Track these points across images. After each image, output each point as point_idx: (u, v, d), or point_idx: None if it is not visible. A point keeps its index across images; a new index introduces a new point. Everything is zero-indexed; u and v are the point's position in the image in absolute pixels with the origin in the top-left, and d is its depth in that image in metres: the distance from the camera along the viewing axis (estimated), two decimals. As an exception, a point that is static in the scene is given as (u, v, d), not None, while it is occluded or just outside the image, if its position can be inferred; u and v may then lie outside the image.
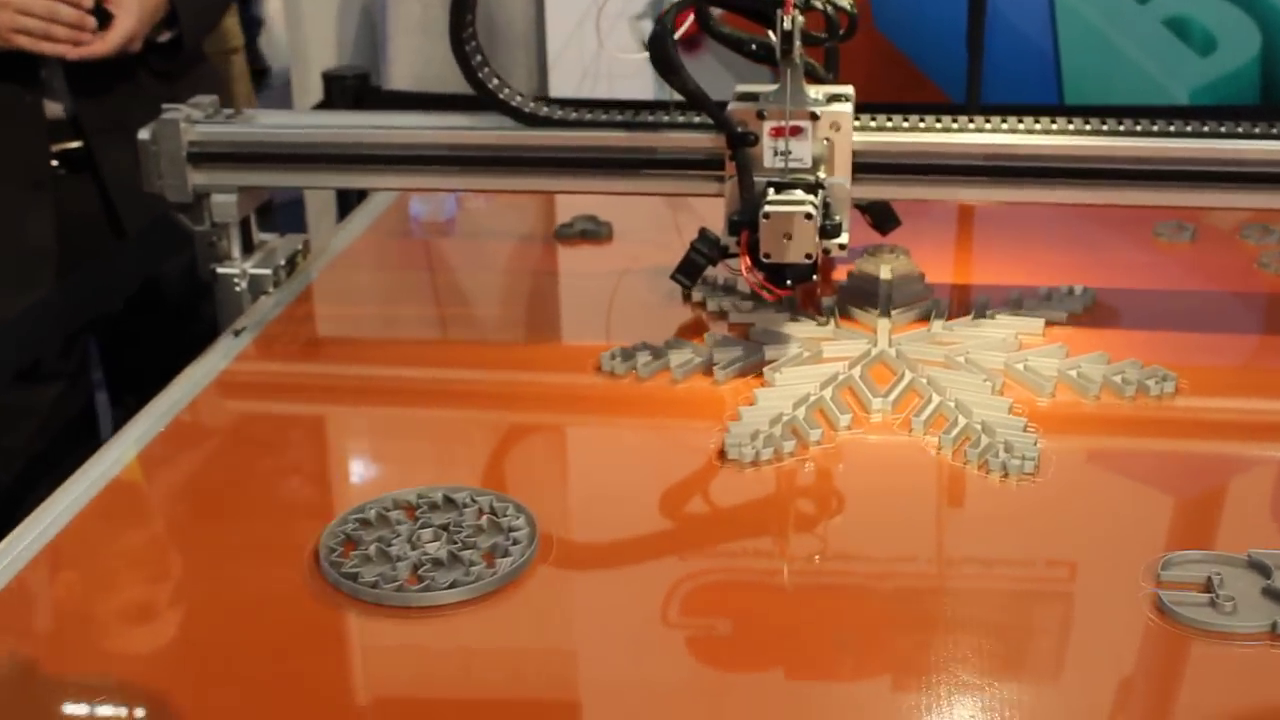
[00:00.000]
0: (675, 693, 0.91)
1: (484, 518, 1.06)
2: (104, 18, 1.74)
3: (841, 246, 1.30)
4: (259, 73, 4.64)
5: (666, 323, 1.41)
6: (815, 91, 1.32)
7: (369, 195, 1.79)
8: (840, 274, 1.52)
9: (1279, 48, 2.35)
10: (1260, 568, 0.98)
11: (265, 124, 1.47)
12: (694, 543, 1.07)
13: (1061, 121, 1.38)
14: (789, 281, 1.27)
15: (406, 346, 1.43)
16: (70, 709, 0.91)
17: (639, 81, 2.37)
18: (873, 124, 1.37)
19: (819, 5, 1.26)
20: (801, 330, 1.37)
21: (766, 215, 1.24)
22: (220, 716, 0.89)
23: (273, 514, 1.12)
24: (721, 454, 1.15)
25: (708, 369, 1.30)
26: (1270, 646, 0.92)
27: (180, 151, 1.43)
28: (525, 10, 2.56)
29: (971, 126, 1.37)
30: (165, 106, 1.44)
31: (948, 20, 2.23)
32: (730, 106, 1.31)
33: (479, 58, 1.38)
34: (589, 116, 1.40)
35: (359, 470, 1.18)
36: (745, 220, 1.26)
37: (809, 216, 1.23)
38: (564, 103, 1.42)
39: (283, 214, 2.19)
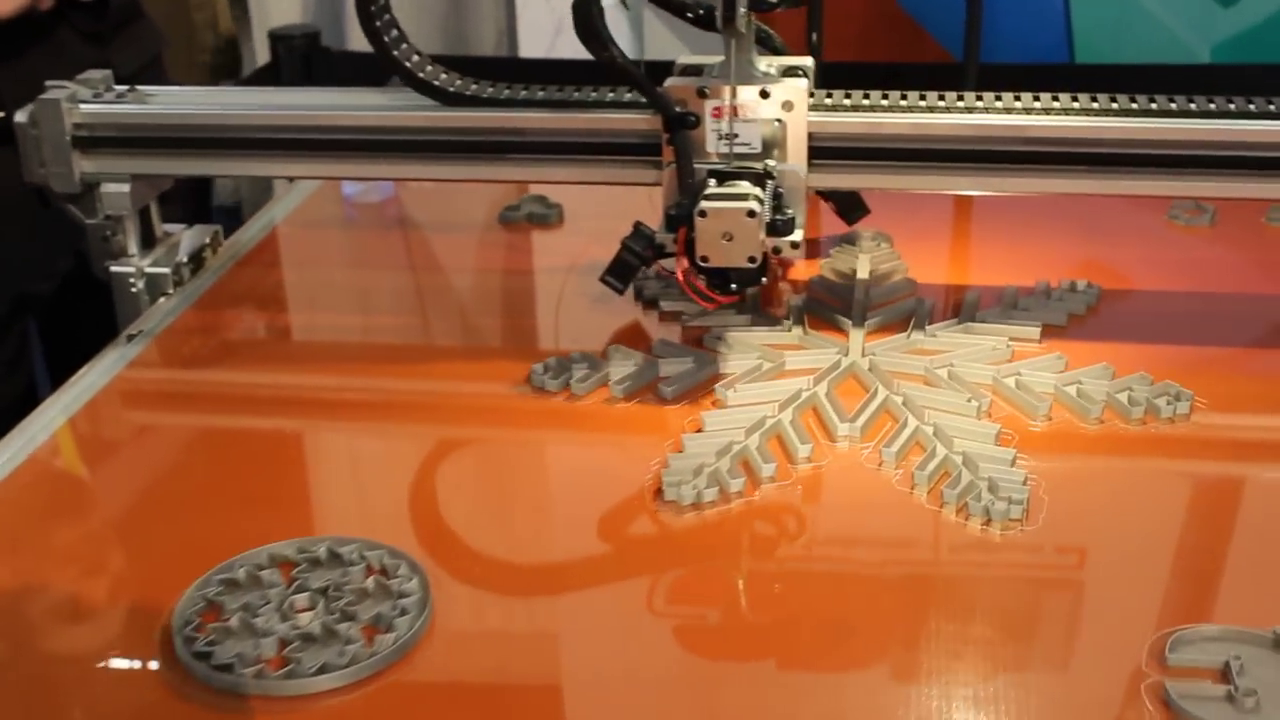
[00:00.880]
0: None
1: (372, 578, 0.90)
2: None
3: (794, 245, 1.12)
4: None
5: (613, 325, 1.25)
6: (766, 65, 1.16)
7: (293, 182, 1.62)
8: (814, 266, 1.35)
9: (1310, -2, 2.16)
10: (1289, 650, 0.82)
11: (161, 104, 1.30)
12: (610, 616, 0.90)
13: (1064, 99, 1.20)
14: (734, 286, 1.11)
15: (309, 356, 1.26)
16: None
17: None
18: (833, 101, 1.20)
19: None
20: (762, 337, 1.20)
21: (703, 212, 1.07)
22: None
23: (131, 569, 0.96)
24: (658, 493, 0.98)
25: (653, 383, 1.13)
26: (1301, 757, 0.76)
27: (64, 136, 1.26)
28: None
29: (954, 105, 1.20)
30: (49, 84, 1.28)
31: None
32: (668, 83, 1.15)
33: (395, 31, 1.21)
34: (507, 94, 1.24)
35: (238, 511, 1.01)
36: (683, 215, 1.09)
37: (752, 214, 1.07)
38: (522, 73, 1.26)
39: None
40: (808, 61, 1.19)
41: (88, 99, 1.28)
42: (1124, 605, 0.88)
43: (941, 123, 1.17)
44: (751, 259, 1.08)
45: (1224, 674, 0.80)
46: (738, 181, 1.12)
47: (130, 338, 1.25)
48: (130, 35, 1.79)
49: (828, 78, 1.77)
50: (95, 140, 1.27)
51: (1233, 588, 0.90)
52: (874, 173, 1.19)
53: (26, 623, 0.90)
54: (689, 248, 1.09)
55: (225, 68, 2.57)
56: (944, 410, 1.08)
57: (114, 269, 1.31)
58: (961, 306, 1.24)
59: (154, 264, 1.33)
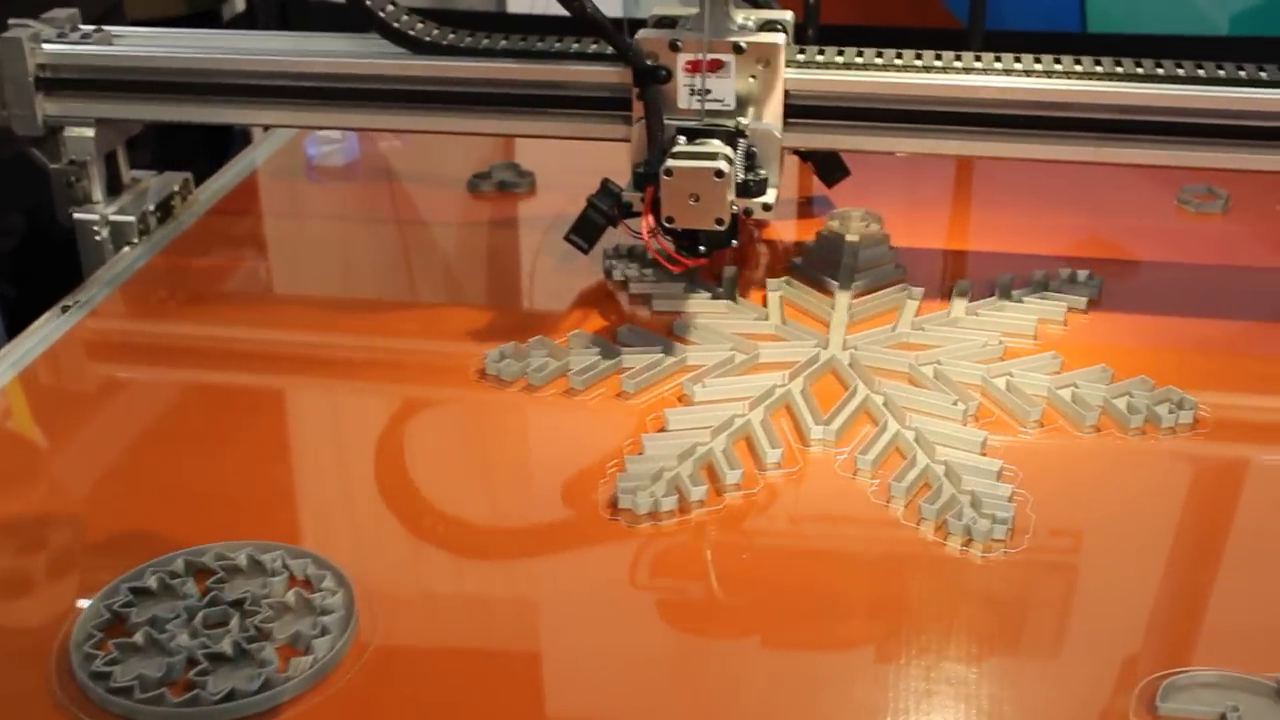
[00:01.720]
0: None
1: (293, 590, 0.82)
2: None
3: (766, 207, 1.07)
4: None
5: (579, 306, 1.17)
6: (743, 18, 1.10)
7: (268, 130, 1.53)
8: (805, 233, 1.27)
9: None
10: (1293, 702, 0.74)
11: (128, 45, 1.24)
12: (555, 641, 0.82)
13: (1066, 61, 1.13)
14: (702, 248, 1.05)
15: (248, 342, 1.17)
16: None
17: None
18: (812, 58, 1.13)
19: None
20: (736, 324, 1.12)
21: (668, 171, 1.01)
22: None
23: (37, 570, 0.88)
24: (613, 503, 0.90)
25: (619, 372, 1.05)
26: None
27: (27, 76, 1.21)
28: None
29: (944, 64, 1.13)
30: (13, 22, 1.22)
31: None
32: (639, 35, 1.09)
33: None
34: (484, 43, 1.17)
35: (162, 503, 0.93)
36: (651, 173, 1.04)
37: (720, 174, 1.01)
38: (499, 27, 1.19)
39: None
40: (786, 15, 1.13)
41: (52, 38, 1.23)
42: (1112, 644, 0.80)
43: (924, 83, 1.11)
44: (719, 221, 1.02)
45: (1220, 728, 0.73)
46: (708, 140, 1.07)
47: (65, 309, 1.17)
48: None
49: (825, 42, 1.69)
50: (59, 82, 1.22)
51: (1232, 628, 0.82)
52: (853, 133, 1.14)
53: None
54: (656, 208, 1.04)
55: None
56: (927, 413, 1.00)
57: (77, 216, 1.26)
58: (952, 296, 1.15)
59: (119, 211, 1.28)
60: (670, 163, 1.03)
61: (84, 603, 0.81)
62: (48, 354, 1.10)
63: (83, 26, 1.25)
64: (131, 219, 1.28)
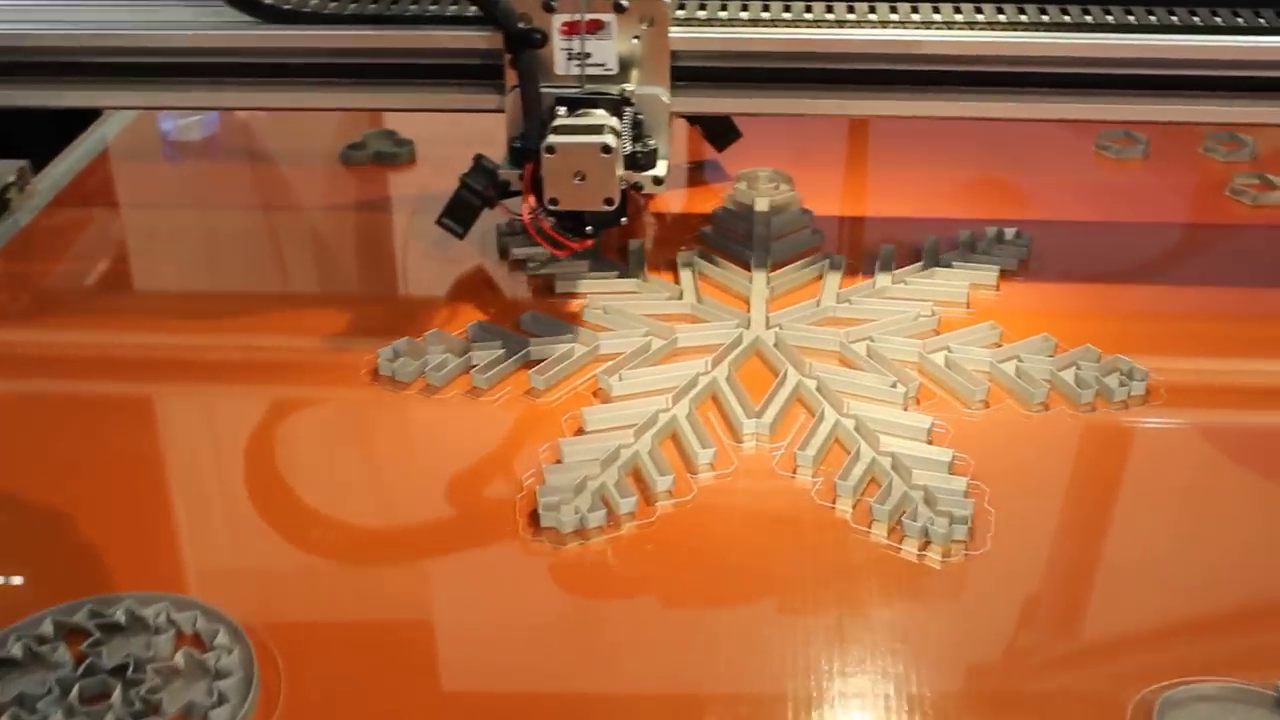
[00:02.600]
0: None
1: (182, 650, 0.72)
2: None
3: (657, 180, 0.98)
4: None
5: (474, 291, 1.07)
6: None
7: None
8: (698, 202, 1.18)
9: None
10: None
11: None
12: (485, 686, 0.73)
13: (967, 10, 1.06)
14: (589, 229, 0.96)
15: (101, 348, 1.05)
16: None
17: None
18: (700, 15, 1.04)
19: None
20: (648, 304, 1.03)
21: (550, 148, 0.92)
22: None
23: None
24: (534, 518, 0.81)
25: (526, 366, 0.96)
26: None
27: None
28: None
29: (838, 18, 1.04)
30: None
31: None
32: None
33: None
34: (332, 7, 1.06)
35: (21, 550, 0.82)
36: (529, 148, 0.95)
37: (608, 150, 0.92)
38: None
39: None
40: None
41: None
42: (1101, 655, 0.73)
43: (822, 38, 1.03)
44: (608, 201, 0.93)
45: (1226, 750, 0.66)
46: (591, 110, 0.97)
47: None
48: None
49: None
50: None
51: (1228, 630, 0.75)
52: (746, 95, 1.05)
53: None
54: (536, 186, 0.94)
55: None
56: (865, 398, 0.92)
57: None
58: (875, 261, 1.08)
59: None
60: (552, 139, 0.93)
61: (-65, 682, 0.71)
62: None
63: None
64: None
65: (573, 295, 1.05)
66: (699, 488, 0.85)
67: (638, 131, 0.99)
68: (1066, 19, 1.05)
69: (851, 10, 1.05)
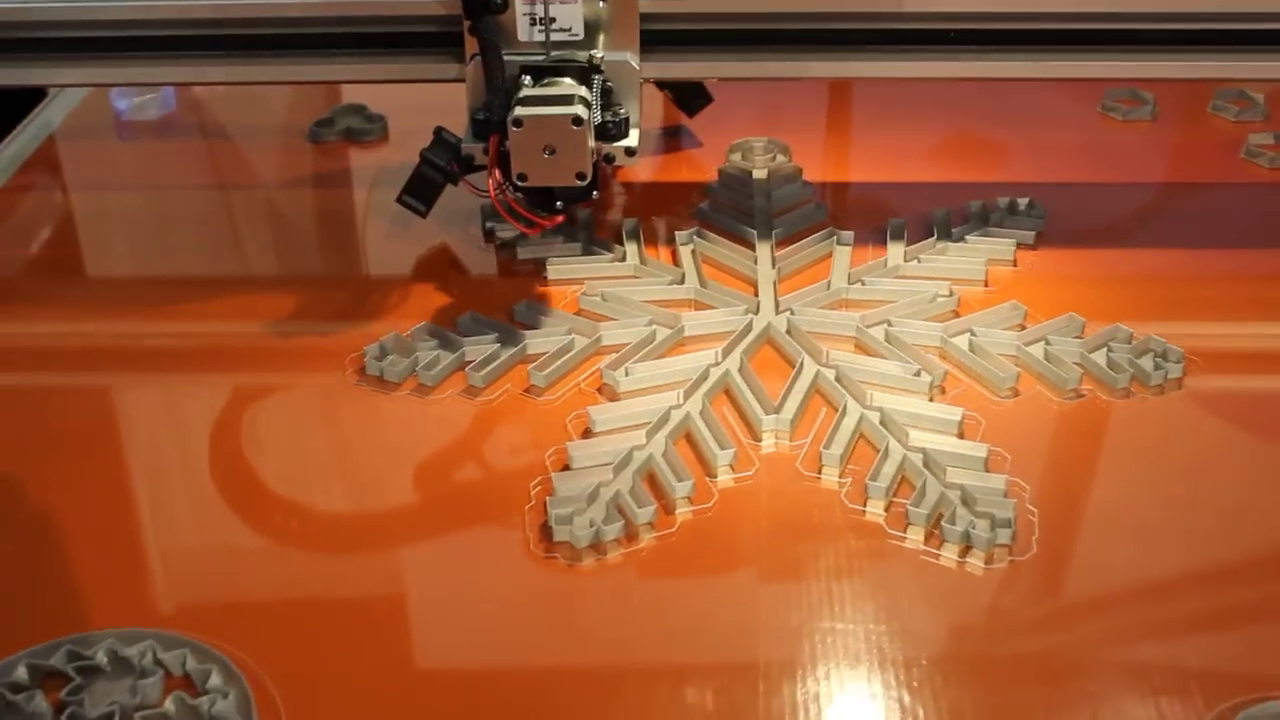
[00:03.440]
0: None
1: (172, 696, 0.66)
2: None
3: (629, 151, 0.92)
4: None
5: (464, 280, 1.00)
6: None
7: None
8: (701, 173, 1.12)
9: None
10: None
11: None
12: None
13: None
14: (559, 204, 0.91)
15: (61, 348, 0.98)
16: None
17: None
18: None
19: None
20: (649, 290, 0.97)
21: (517, 121, 0.86)
22: None
23: None
24: (545, 531, 0.75)
25: (524, 362, 0.90)
26: None
27: None
28: None
29: None
30: None
31: None
32: None
33: None
34: None
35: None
36: (494, 120, 0.89)
37: (578, 121, 0.86)
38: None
39: None
40: None
41: None
42: (1166, 671, 0.67)
43: None
44: (580, 175, 0.88)
45: (1314, 776, 0.61)
46: (558, 79, 0.91)
47: None
48: None
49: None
50: None
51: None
52: (721, 58, 0.99)
53: None
54: (502, 161, 0.88)
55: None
56: (889, 388, 0.86)
57: None
58: (887, 240, 1.02)
59: None
60: (519, 110, 0.87)
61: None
62: None
63: None
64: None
65: (567, 281, 0.98)
66: (720, 493, 0.79)
67: (607, 100, 0.93)
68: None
69: None
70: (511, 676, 0.68)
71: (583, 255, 1.01)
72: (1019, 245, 1.02)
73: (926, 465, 0.79)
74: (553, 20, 0.94)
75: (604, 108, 0.92)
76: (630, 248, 1.01)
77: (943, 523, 0.75)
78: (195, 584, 0.75)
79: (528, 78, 0.91)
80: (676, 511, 0.77)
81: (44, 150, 1.24)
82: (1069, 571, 0.74)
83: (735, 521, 0.77)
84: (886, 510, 0.77)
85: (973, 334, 0.90)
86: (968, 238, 1.02)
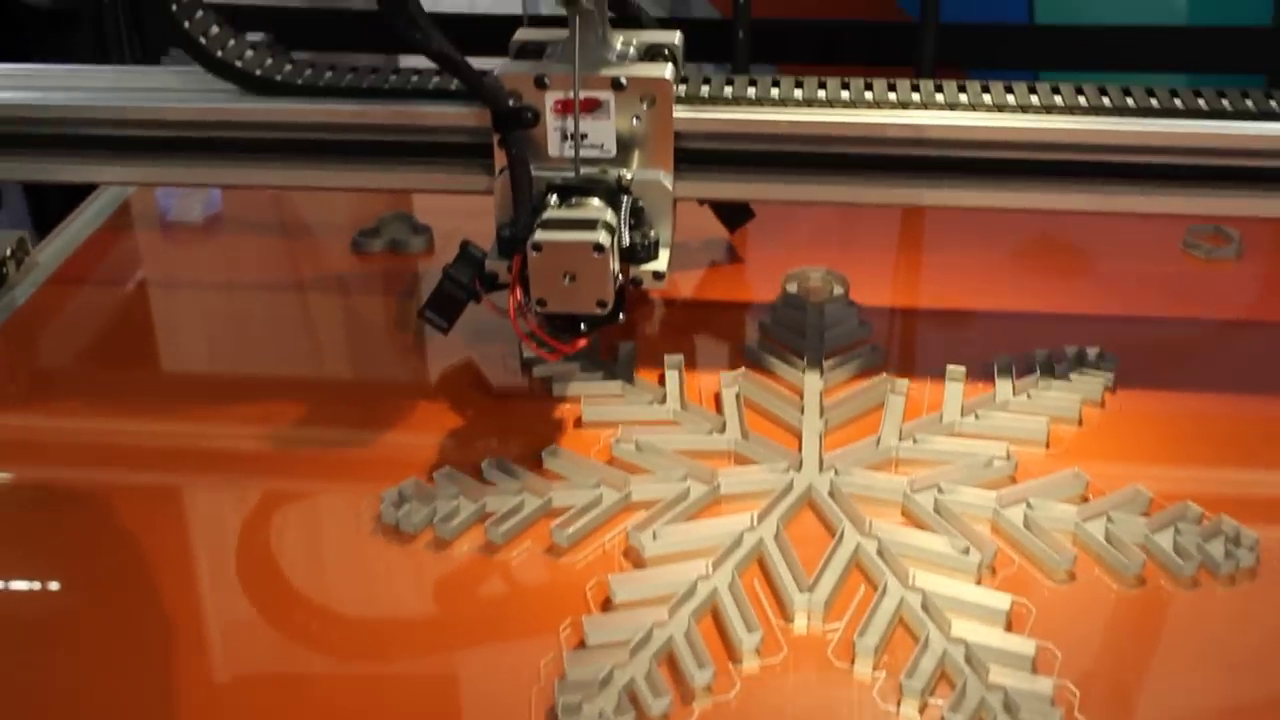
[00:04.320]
0: None
1: None
2: None
3: (658, 275, 0.90)
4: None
5: (494, 415, 0.96)
6: (623, 43, 0.93)
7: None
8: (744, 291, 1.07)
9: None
10: None
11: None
12: None
13: (1021, 91, 0.97)
14: (582, 326, 0.87)
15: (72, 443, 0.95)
16: None
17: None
18: (707, 91, 0.95)
19: None
20: (687, 439, 0.92)
21: (536, 246, 0.83)
22: None
23: None
24: (551, 717, 0.70)
25: (548, 516, 0.85)
26: None
27: None
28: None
29: (866, 97, 0.96)
30: None
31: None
32: (498, 69, 0.90)
33: None
34: (306, 77, 0.98)
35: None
36: (518, 237, 0.86)
37: (600, 249, 0.82)
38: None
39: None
40: (674, 38, 0.95)
41: None
42: None
43: (840, 121, 0.94)
44: (601, 303, 0.85)
45: None
46: (585, 199, 0.88)
47: None
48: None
49: (758, 40, 1.49)
50: None
51: None
52: (758, 180, 0.96)
53: None
54: (524, 281, 0.85)
55: None
56: (933, 565, 0.80)
57: None
58: (945, 390, 0.96)
59: None
60: (539, 234, 0.84)
61: None
62: None
63: None
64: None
65: (602, 424, 0.93)
66: (742, 680, 0.73)
67: (637, 220, 0.90)
68: (1154, 103, 0.95)
69: (869, 89, 0.96)
70: None
71: (621, 391, 0.96)
72: (1086, 401, 0.95)
73: (968, 661, 0.73)
74: (584, 136, 0.91)
75: (633, 228, 0.89)
76: (671, 389, 0.96)
77: (981, 732, 0.69)
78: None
79: (554, 197, 0.88)
80: (695, 703, 0.72)
81: (95, 241, 1.22)
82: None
83: (756, 717, 0.71)
84: (921, 712, 0.71)
85: (1029, 506, 0.84)
86: (1031, 392, 0.96)
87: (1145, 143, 0.94)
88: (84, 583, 0.82)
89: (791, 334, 1.03)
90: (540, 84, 0.91)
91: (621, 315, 0.88)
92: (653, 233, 0.90)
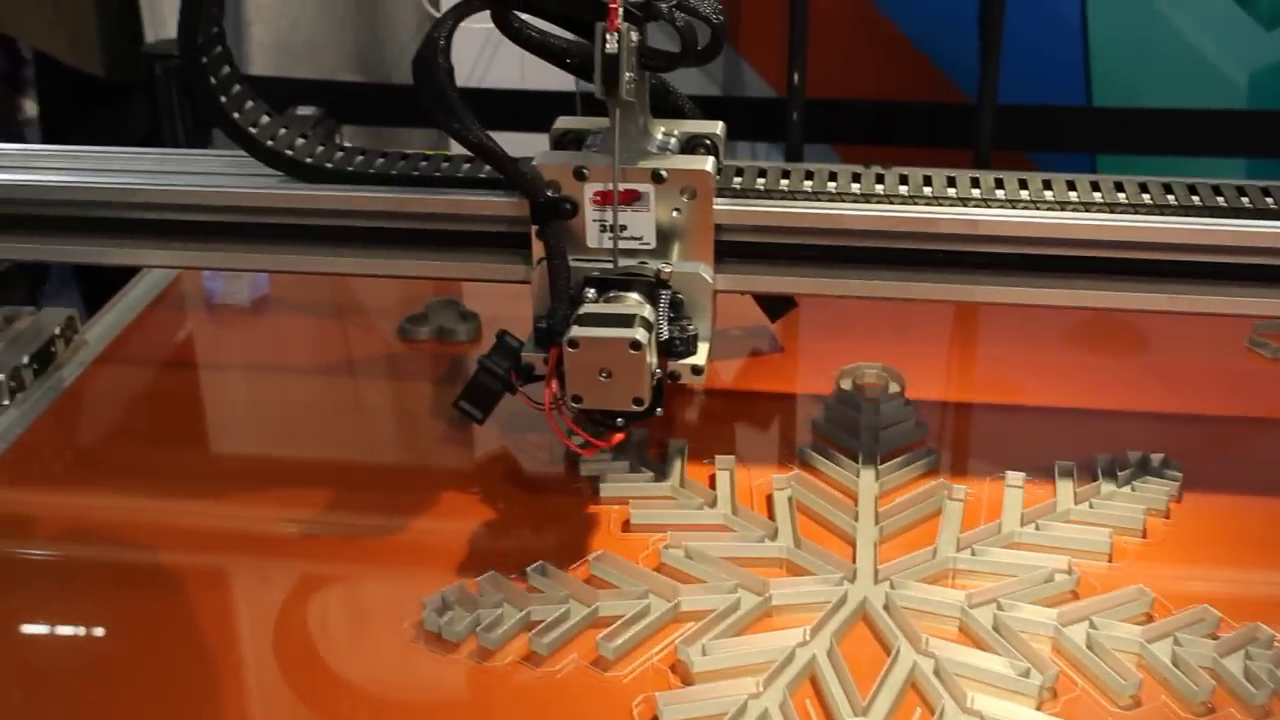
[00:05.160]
0: None
1: None
2: None
3: (697, 370, 0.88)
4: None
5: (540, 518, 0.94)
6: (664, 132, 0.92)
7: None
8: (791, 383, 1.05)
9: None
10: None
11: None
12: None
13: (1084, 187, 0.94)
14: (620, 420, 0.86)
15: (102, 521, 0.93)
16: None
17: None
18: (747, 184, 0.94)
19: (667, 13, 0.84)
20: (738, 546, 0.90)
21: (573, 342, 0.82)
22: None
23: None
24: None
25: (594, 626, 0.83)
26: None
27: None
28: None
29: (924, 193, 0.94)
30: None
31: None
32: (536, 160, 0.89)
33: (226, 69, 0.95)
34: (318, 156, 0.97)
35: None
36: (556, 330, 0.85)
37: (636, 345, 0.81)
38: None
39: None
40: (716, 128, 0.94)
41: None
42: None
43: (886, 215, 0.92)
44: (638, 401, 0.83)
45: None
46: (624, 293, 0.87)
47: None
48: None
49: (812, 119, 1.47)
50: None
51: None
52: (801, 273, 0.95)
53: None
54: (561, 374, 0.84)
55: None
56: (992, 688, 0.77)
57: None
58: (1004, 498, 0.93)
59: None
60: (575, 330, 0.83)
61: None
62: None
63: None
64: (0, 377, 1.06)
65: (651, 528, 0.91)
66: (793, 812, 0.70)
67: (676, 313, 0.88)
68: (1220, 202, 0.93)
69: (928, 184, 0.95)
70: None
71: (671, 493, 0.94)
72: (1150, 511, 0.92)
73: (1029, 796, 0.70)
74: (623, 228, 0.90)
75: (672, 321, 0.87)
76: (722, 492, 0.94)
77: None
78: None
79: (591, 291, 0.87)
80: (742, 838, 0.69)
81: (141, 321, 1.21)
82: None
83: None
84: None
85: (1091, 626, 0.81)
86: (1093, 501, 0.93)
87: (1211, 242, 0.92)
88: (121, 662, 0.81)
89: (845, 434, 1.00)
90: (579, 175, 0.90)
91: (659, 410, 0.87)
92: (692, 327, 0.89)
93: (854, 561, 0.88)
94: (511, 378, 0.92)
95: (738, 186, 0.94)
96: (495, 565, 0.86)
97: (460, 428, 1.03)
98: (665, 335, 0.86)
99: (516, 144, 0.93)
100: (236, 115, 0.96)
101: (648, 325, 0.84)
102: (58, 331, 1.13)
